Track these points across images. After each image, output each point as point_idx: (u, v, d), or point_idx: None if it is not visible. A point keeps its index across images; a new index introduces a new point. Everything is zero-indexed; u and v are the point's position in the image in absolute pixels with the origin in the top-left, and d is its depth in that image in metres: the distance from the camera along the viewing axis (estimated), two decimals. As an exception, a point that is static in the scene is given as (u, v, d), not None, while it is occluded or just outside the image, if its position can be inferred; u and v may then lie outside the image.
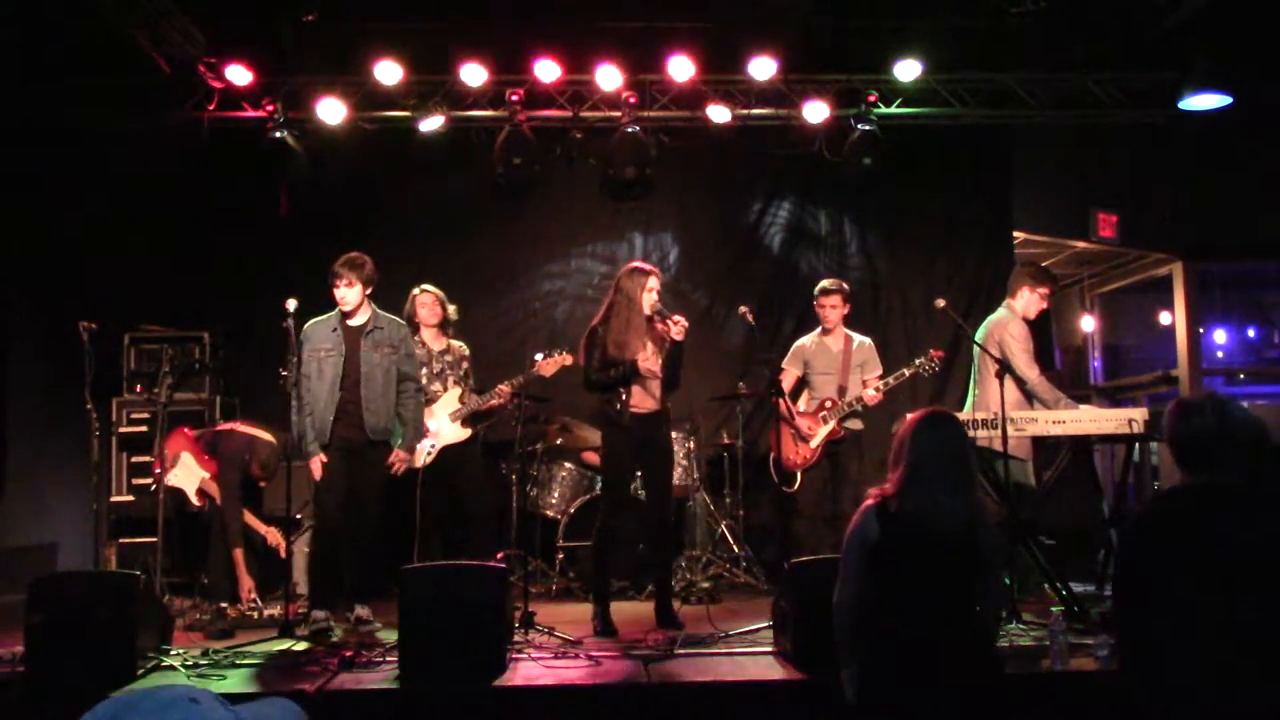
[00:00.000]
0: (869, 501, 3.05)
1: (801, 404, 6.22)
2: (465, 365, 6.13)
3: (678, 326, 5.11)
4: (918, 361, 5.97)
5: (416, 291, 6.11)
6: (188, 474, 6.10)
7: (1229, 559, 2.47)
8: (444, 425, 5.93)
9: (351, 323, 5.48)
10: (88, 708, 1.27)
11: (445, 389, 5.99)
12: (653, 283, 5.25)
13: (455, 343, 6.16)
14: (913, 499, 2.92)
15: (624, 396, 5.17)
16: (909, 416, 3.11)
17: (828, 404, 6.04)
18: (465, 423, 5.96)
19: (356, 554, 5.43)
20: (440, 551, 5.77)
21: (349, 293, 5.39)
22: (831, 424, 6.02)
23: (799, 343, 6.32)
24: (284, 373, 5.29)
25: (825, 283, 6.29)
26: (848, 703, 3.05)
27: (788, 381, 6.15)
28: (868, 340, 6.27)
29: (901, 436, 3.02)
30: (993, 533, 2.94)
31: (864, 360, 6.17)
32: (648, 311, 5.22)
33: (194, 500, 6.12)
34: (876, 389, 5.97)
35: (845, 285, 6.31)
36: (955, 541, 2.91)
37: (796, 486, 6.08)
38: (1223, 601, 2.44)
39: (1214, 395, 2.77)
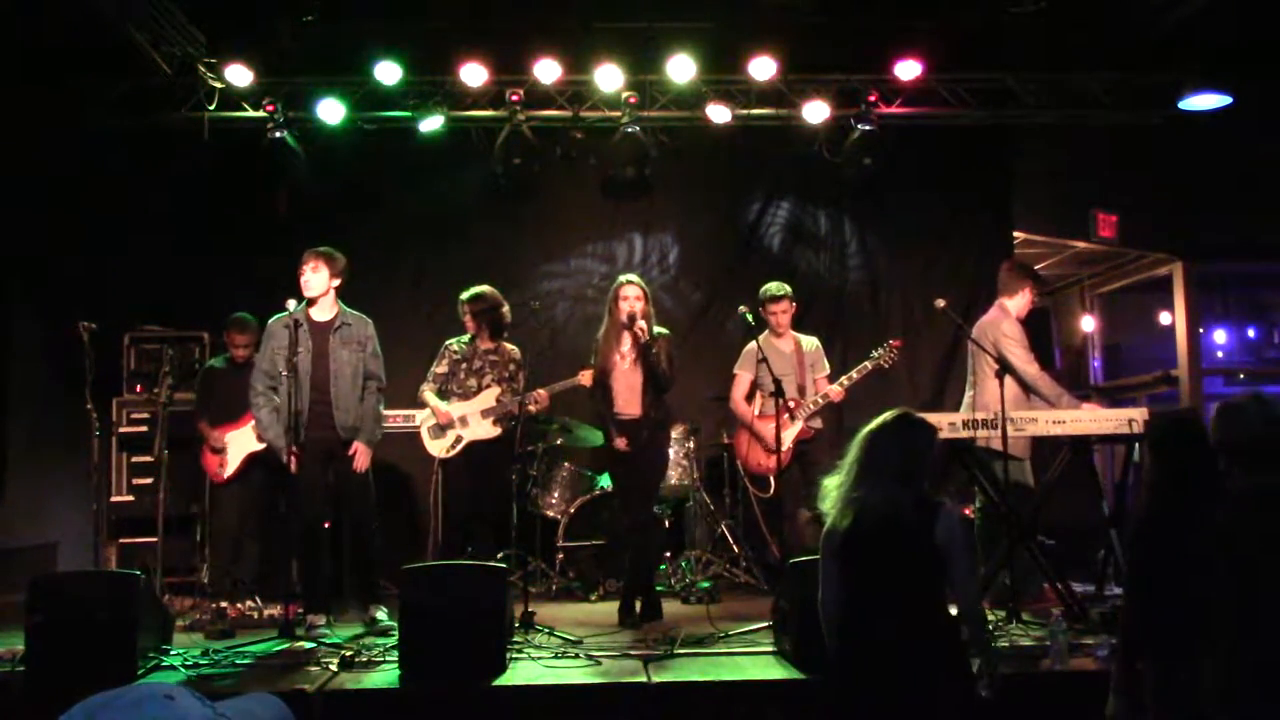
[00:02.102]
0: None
1: (757, 408, 6.20)
2: (513, 367, 6.08)
3: (640, 332, 5.37)
4: (876, 353, 5.99)
5: (463, 296, 6.17)
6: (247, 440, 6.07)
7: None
8: (475, 420, 5.93)
9: (318, 318, 5.41)
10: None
11: (481, 387, 5.97)
12: (627, 291, 5.47)
13: (508, 345, 6.15)
14: (858, 497, 3.05)
15: (609, 401, 5.53)
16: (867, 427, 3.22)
17: (792, 404, 6.00)
18: (497, 421, 5.95)
19: (364, 551, 5.43)
20: (460, 549, 5.77)
21: (314, 277, 5.34)
22: (799, 424, 6.01)
23: (749, 347, 6.17)
24: (284, 373, 5.29)
25: (772, 288, 6.21)
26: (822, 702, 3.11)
27: (742, 386, 6.19)
28: (815, 340, 6.32)
29: (852, 446, 3.16)
30: (952, 523, 2.96)
31: (815, 361, 6.23)
32: (624, 320, 5.45)
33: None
34: (841, 385, 5.99)
35: (788, 288, 6.25)
36: (905, 533, 2.98)
37: (770, 491, 6.05)
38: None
39: (1259, 395, 2.76)
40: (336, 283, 5.42)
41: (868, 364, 5.99)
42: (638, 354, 5.47)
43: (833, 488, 3.14)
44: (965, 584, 3.06)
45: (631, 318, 5.40)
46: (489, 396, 5.94)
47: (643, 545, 5.62)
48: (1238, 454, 2.73)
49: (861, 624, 3.01)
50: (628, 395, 5.51)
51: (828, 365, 6.25)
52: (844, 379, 6.01)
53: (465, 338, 6.08)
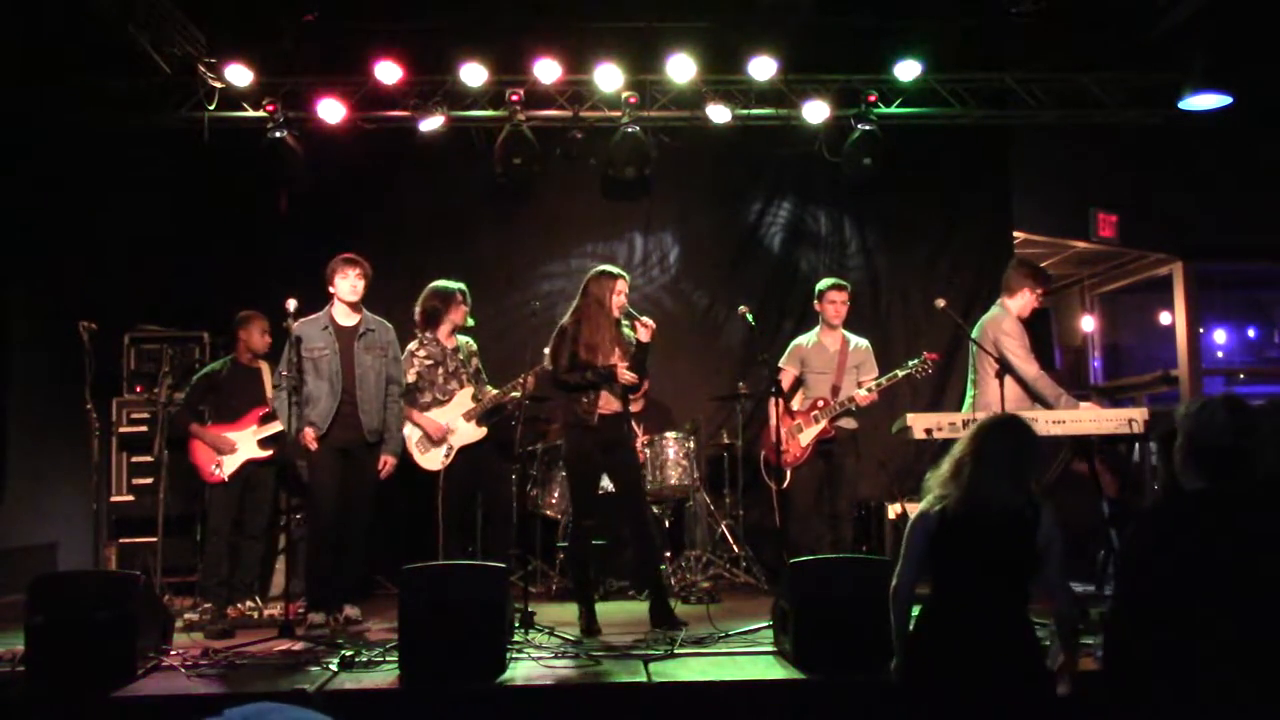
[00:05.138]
0: (914, 520, 3.23)
1: (796, 403, 6.22)
2: (475, 361, 6.06)
3: (645, 330, 5.18)
4: (911, 364, 5.99)
5: (455, 289, 5.93)
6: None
7: (1232, 567, 2.46)
8: (459, 426, 5.86)
9: (344, 323, 5.47)
10: (88, 708, 1.25)
11: (461, 387, 5.93)
12: (621, 286, 5.30)
13: (462, 338, 6.08)
14: (970, 490, 3.09)
15: (593, 398, 5.23)
16: (980, 419, 3.30)
17: (820, 403, 6.04)
18: (480, 421, 5.90)
19: (350, 554, 5.44)
20: (462, 552, 5.75)
21: (361, 284, 5.47)
22: (822, 423, 6.01)
23: (797, 342, 6.32)
24: (284, 373, 5.29)
25: (833, 279, 6.30)
26: (893, 686, 3.19)
27: (786, 380, 6.16)
28: (865, 342, 6.27)
29: (967, 438, 3.21)
30: (1053, 524, 3.06)
31: (860, 362, 6.18)
32: (617, 315, 5.29)
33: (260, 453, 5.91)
34: (869, 389, 5.99)
35: (846, 282, 6.33)
36: (1008, 532, 3.05)
37: (786, 484, 6.05)
38: (1224, 611, 2.42)
39: (1230, 396, 2.74)
40: None
41: (899, 372, 6.00)
42: (626, 350, 5.30)
43: (937, 479, 3.19)
44: (1062, 584, 3.16)
45: (629, 314, 5.28)
46: (465, 399, 5.87)
47: (652, 546, 5.50)
48: (1205, 456, 2.69)
49: (950, 611, 3.08)
50: (610, 391, 5.29)
51: (875, 368, 6.18)
52: (873, 384, 6.01)
53: (419, 340, 5.93)
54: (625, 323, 5.33)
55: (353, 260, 5.49)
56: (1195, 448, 2.64)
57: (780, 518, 6.11)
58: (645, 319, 5.24)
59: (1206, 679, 2.40)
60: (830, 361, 6.14)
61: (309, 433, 5.29)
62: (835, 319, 6.17)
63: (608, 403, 5.28)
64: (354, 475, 5.42)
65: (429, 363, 5.87)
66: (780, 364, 6.28)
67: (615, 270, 5.39)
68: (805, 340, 6.28)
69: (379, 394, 5.49)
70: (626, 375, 5.21)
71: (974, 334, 5.83)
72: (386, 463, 5.51)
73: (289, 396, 5.27)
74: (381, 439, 5.51)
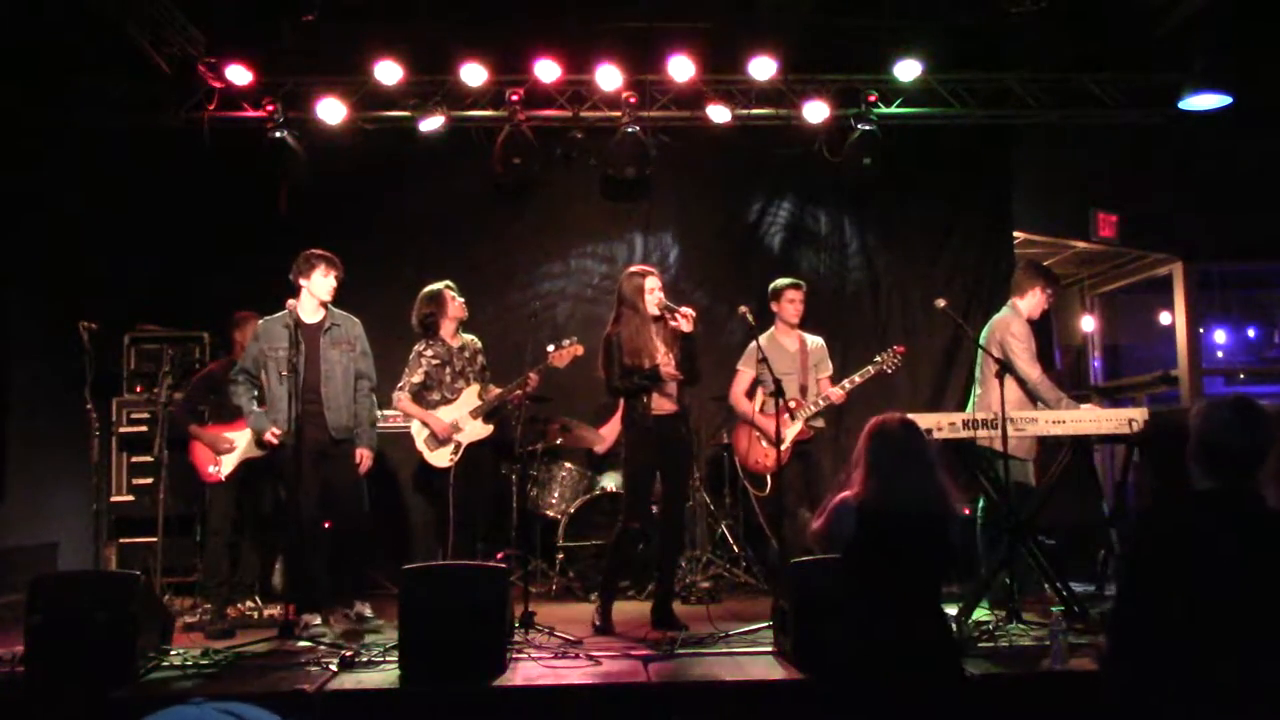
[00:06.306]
0: (837, 503, 3.29)
1: (758, 405, 6.18)
2: (480, 359, 6.06)
3: (686, 319, 5.16)
4: (879, 358, 5.96)
5: (442, 287, 5.95)
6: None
7: (1234, 570, 2.46)
8: (467, 423, 5.87)
9: (308, 320, 5.41)
10: (87, 708, 1.25)
11: (468, 385, 5.94)
12: (652, 282, 5.31)
13: (467, 336, 6.08)
14: (877, 494, 3.16)
15: (646, 400, 5.23)
16: (872, 421, 3.37)
17: (792, 404, 5.97)
18: (487, 419, 5.91)
19: (352, 551, 5.44)
20: (480, 553, 5.76)
21: (335, 286, 5.42)
22: (799, 424, 5.97)
23: (752, 345, 6.14)
24: (284, 373, 5.29)
25: (789, 279, 6.24)
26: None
27: (744, 382, 6.13)
28: (820, 340, 6.24)
29: (861, 442, 3.29)
30: (958, 522, 3.12)
31: (818, 360, 6.16)
32: (655, 312, 5.28)
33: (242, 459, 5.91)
34: (843, 388, 5.95)
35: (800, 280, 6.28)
36: (921, 530, 3.11)
37: (768, 490, 6.02)
38: (1233, 610, 2.42)
39: (1241, 397, 2.72)
40: None
41: (870, 368, 5.96)
42: (670, 346, 5.28)
43: (850, 473, 3.26)
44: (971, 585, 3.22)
45: (669, 309, 5.24)
46: (471, 396, 5.89)
47: (675, 548, 5.53)
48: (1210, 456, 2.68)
49: (866, 608, 3.13)
50: (661, 391, 5.26)
51: (830, 366, 6.20)
52: (846, 382, 5.99)
53: (425, 341, 5.95)
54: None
55: (334, 261, 5.42)
56: (1206, 447, 2.64)
57: (766, 522, 6.12)
58: (683, 309, 5.22)
59: (1213, 678, 2.40)
60: (793, 361, 6.09)
61: (269, 435, 5.29)
62: (794, 318, 6.13)
63: (660, 404, 5.26)
64: (333, 474, 5.37)
65: (436, 362, 5.90)
66: (739, 366, 6.23)
67: (643, 267, 5.45)
68: (762, 341, 6.18)
69: (346, 390, 5.40)
70: (670, 372, 5.20)
71: (982, 333, 5.83)
72: (364, 457, 5.43)
73: (244, 388, 5.35)
74: (350, 435, 5.42)
